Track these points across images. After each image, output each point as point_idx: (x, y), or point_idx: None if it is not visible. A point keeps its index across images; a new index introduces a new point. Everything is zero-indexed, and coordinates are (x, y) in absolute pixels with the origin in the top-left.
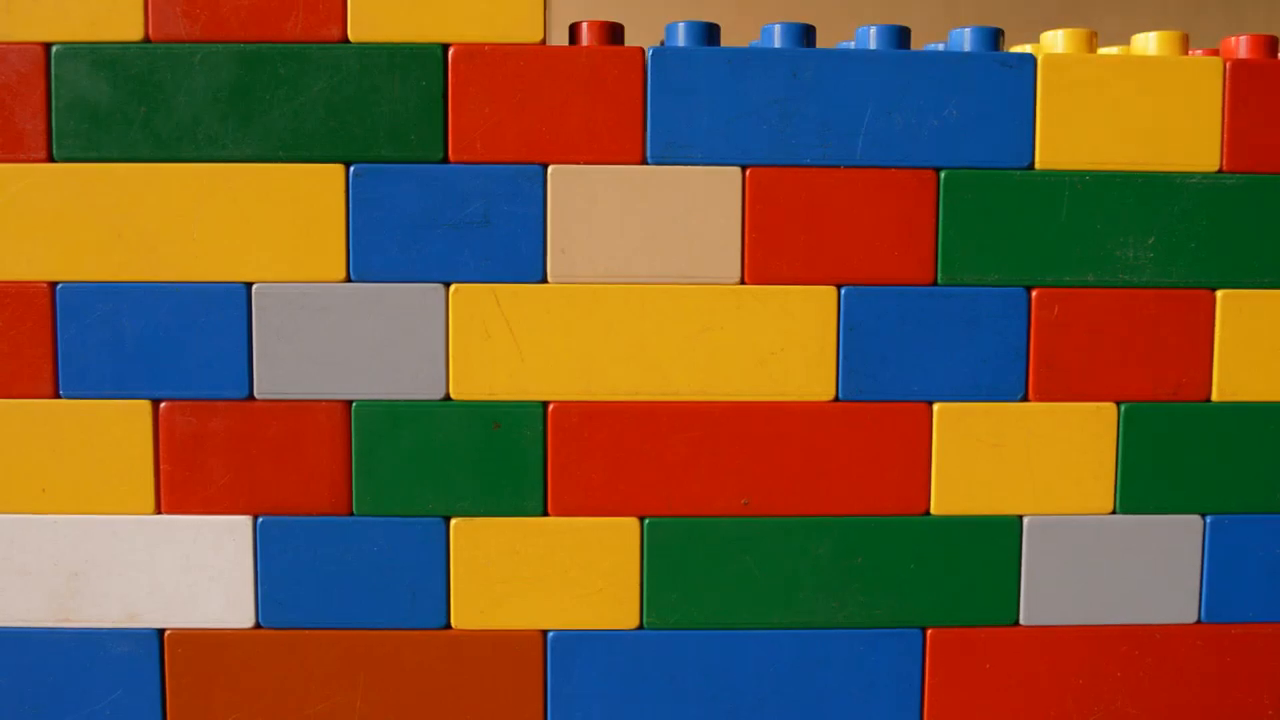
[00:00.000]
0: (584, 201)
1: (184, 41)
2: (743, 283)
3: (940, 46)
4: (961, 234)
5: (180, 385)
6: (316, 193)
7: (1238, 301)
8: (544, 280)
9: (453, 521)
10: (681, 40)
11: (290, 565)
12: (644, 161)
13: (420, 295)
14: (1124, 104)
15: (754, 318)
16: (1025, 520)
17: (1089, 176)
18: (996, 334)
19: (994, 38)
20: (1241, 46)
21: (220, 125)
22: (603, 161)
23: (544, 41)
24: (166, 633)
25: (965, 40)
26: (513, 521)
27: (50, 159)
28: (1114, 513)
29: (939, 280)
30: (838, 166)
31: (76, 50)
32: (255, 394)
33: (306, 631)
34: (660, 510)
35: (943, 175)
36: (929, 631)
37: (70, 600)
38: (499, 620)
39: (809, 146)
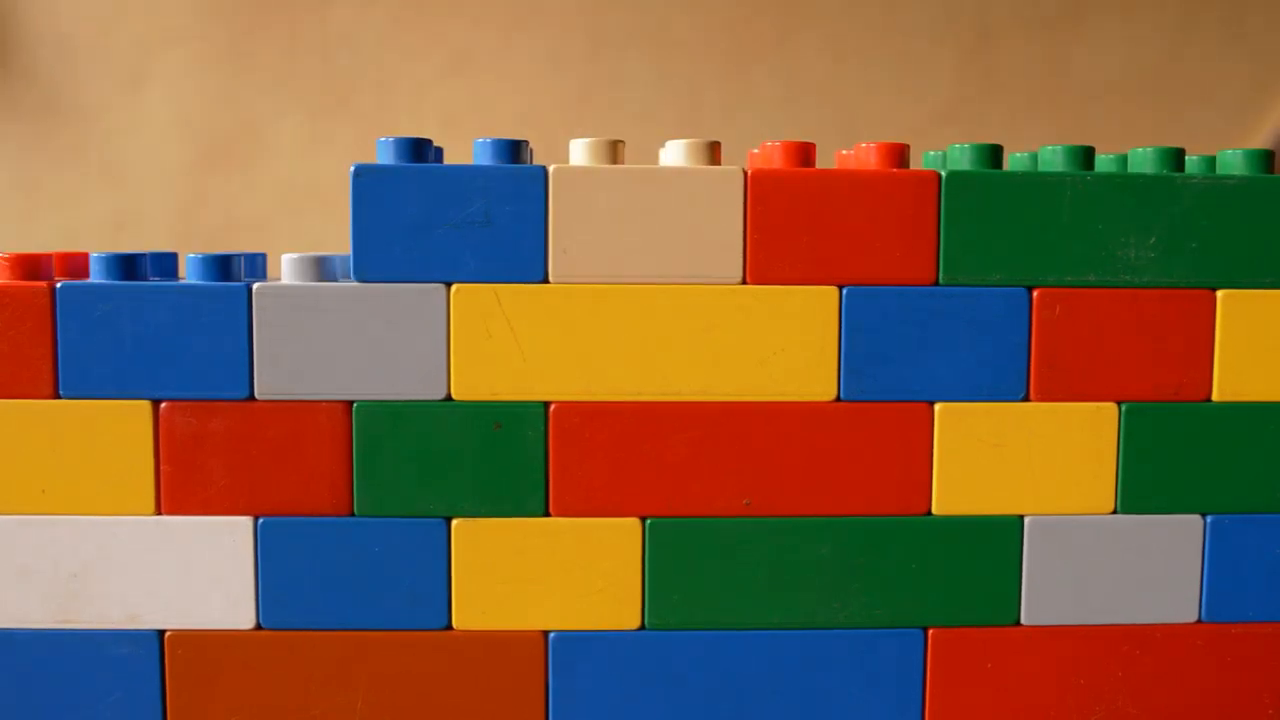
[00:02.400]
0: (586, 202)
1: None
2: (744, 283)
3: None
4: (963, 235)
5: (180, 386)
6: None
7: (1238, 301)
8: (545, 280)
9: (454, 522)
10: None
11: (291, 566)
12: None
13: (421, 295)
14: None
15: (755, 318)
16: (1026, 520)
17: (1090, 177)
18: (998, 334)
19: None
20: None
21: None
22: None
23: None
24: (167, 634)
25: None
26: (514, 522)
27: None
28: (1115, 513)
29: (940, 281)
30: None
31: None
32: (255, 394)
33: (307, 632)
34: (662, 511)
35: (944, 175)
36: (930, 631)
37: (70, 601)
38: (500, 621)
39: None
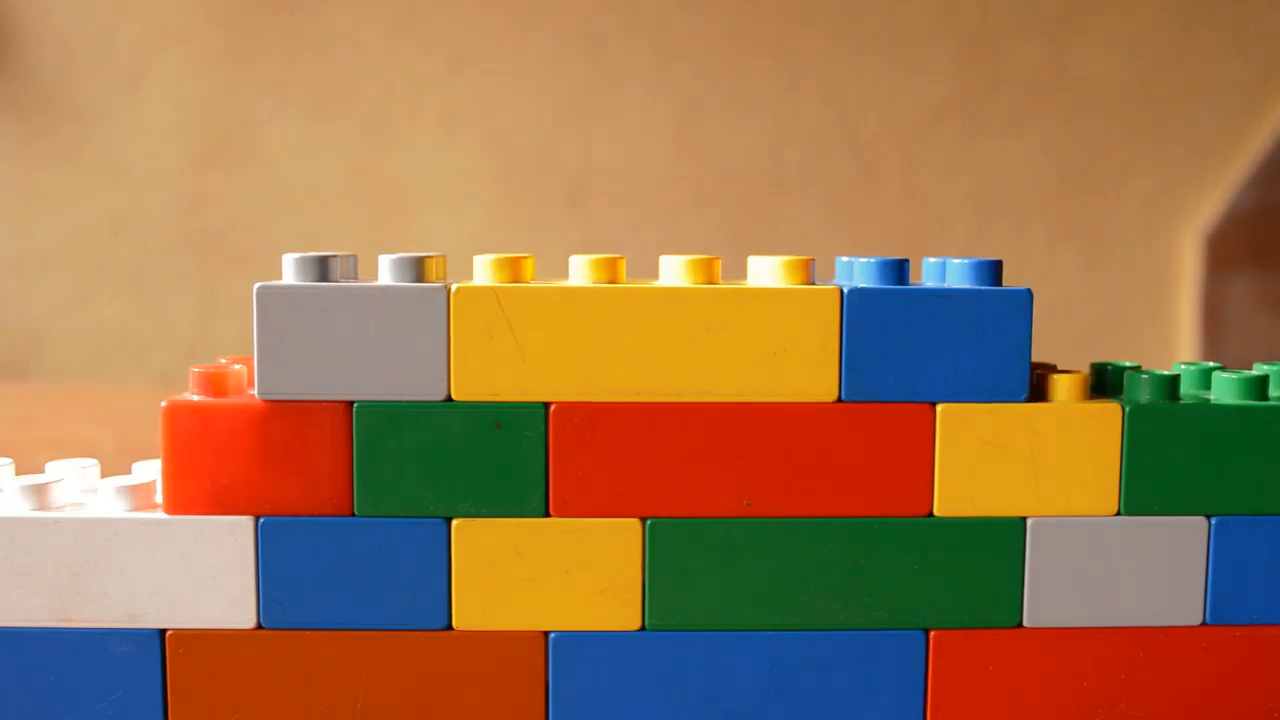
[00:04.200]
0: None
1: None
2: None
3: None
4: None
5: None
6: None
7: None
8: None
9: (454, 522)
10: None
11: (292, 565)
12: None
13: (422, 296)
14: None
15: (756, 319)
16: (1029, 522)
17: None
18: (1000, 335)
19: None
20: None
21: None
22: None
23: None
24: (168, 633)
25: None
26: (514, 522)
27: None
28: (1118, 514)
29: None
30: None
31: None
32: (257, 394)
33: (307, 632)
34: (662, 511)
35: None
36: (932, 633)
37: (71, 600)
38: (500, 621)
39: None
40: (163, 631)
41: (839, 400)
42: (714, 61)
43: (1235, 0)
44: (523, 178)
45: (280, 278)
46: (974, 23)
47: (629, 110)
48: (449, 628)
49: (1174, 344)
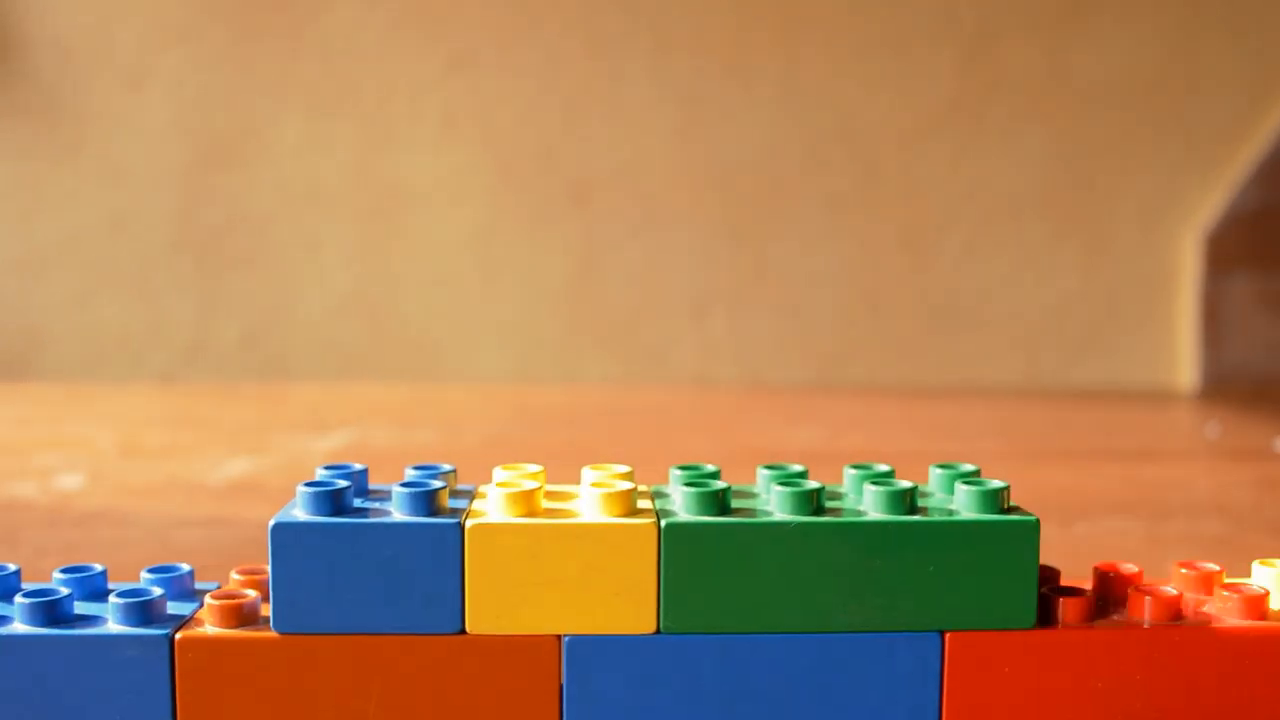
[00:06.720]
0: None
1: None
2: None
3: None
4: None
5: None
6: None
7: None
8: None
9: (467, 525)
10: None
11: (303, 569)
12: None
13: None
14: None
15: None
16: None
17: None
18: None
19: None
20: None
21: None
22: None
23: None
24: (177, 637)
25: None
26: (528, 525)
27: None
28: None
29: None
30: None
31: None
32: None
33: (319, 637)
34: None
35: None
36: (947, 635)
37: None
38: (514, 625)
39: None
40: (172, 636)
41: None
42: (715, 61)
43: (1235, 0)
44: (523, 178)
45: (280, 275)
46: (974, 23)
47: (630, 109)
48: (462, 632)
49: (1174, 344)
